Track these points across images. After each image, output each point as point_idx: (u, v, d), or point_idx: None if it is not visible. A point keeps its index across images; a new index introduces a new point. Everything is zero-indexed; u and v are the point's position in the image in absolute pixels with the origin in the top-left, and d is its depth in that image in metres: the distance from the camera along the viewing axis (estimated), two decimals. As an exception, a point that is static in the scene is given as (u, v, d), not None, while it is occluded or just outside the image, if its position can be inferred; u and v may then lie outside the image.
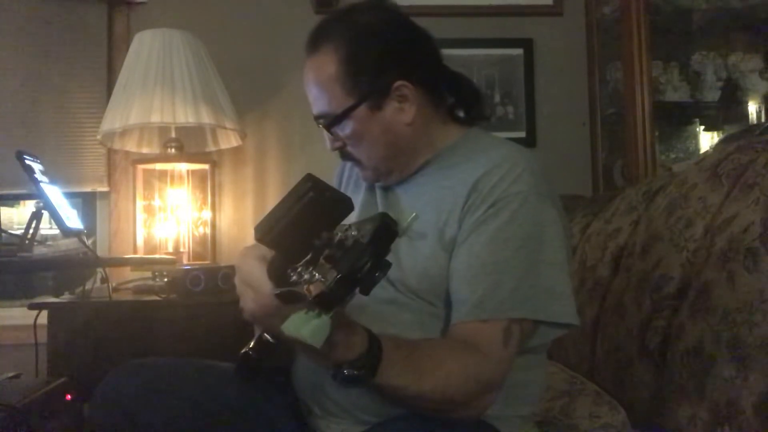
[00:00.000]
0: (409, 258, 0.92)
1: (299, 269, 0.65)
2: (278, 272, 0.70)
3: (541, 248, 0.88)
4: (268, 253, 0.75)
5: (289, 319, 0.64)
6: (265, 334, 0.84)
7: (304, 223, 0.66)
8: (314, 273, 0.63)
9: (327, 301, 0.62)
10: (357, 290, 0.63)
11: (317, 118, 0.99)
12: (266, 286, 0.71)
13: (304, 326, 0.63)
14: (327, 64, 0.94)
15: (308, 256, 0.66)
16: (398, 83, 0.94)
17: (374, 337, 0.76)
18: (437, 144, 1.00)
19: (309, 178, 0.69)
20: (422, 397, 0.80)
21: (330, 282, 0.61)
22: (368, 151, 0.99)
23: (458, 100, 1.05)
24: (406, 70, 0.95)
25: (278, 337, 0.80)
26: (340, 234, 0.65)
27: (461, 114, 1.05)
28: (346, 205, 0.71)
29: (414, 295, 0.91)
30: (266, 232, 0.70)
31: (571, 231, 1.66)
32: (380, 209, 1.03)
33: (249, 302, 0.76)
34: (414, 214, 0.70)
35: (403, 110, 0.96)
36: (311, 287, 0.63)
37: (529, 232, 0.88)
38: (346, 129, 0.96)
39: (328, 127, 0.98)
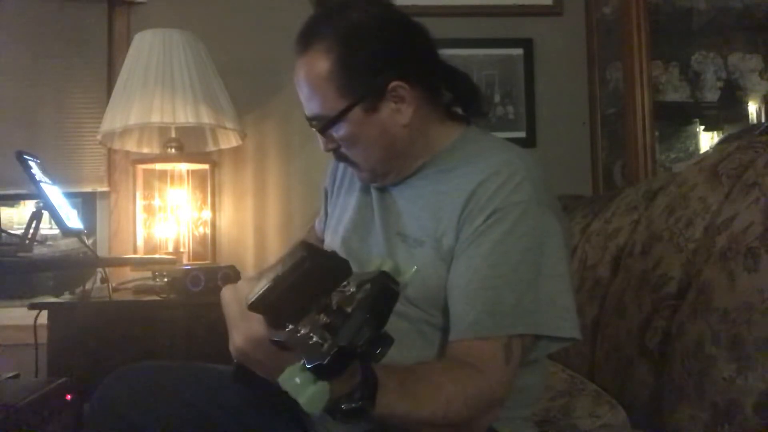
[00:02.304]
0: (406, 266, 0.90)
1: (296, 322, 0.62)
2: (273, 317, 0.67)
3: (541, 260, 0.85)
4: None
5: (286, 372, 0.61)
6: None
7: (300, 292, 0.63)
8: (311, 335, 0.60)
9: (325, 373, 0.59)
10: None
11: (310, 119, 0.95)
12: (259, 325, 0.68)
13: (302, 392, 0.59)
14: (319, 64, 0.90)
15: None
16: (394, 84, 0.90)
17: (366, 366, 0.73)
18: (435, 145, 0.97)
19: (304, 246, 0.64)
20: (422, 422, 0.77)
21: (328, 352, 0.58)
22: (364, 154, 0.95)
23: (456, 97, 1.01)
24: (402, 70, 0.91)
25: (261, 374, 0.76)
26: (337, 292, 0.62)
27: (459, 111, 1.02)
28: (344, 271, 0.66)
29: (411, 304, 0.89)
30: (259, 300, 0.66)
31: (572, 231, 1.66)
32: (376, 212, 1.00)
33: (238, 335, 0.71)
34: (415, 267, 0.67)
35: (399, 111, 0.92)
36: (307, 347, 0.60)
37: (529, 244, 0.85)
38: (340, 131, 0.93)
39: (322, 130, 0.94)
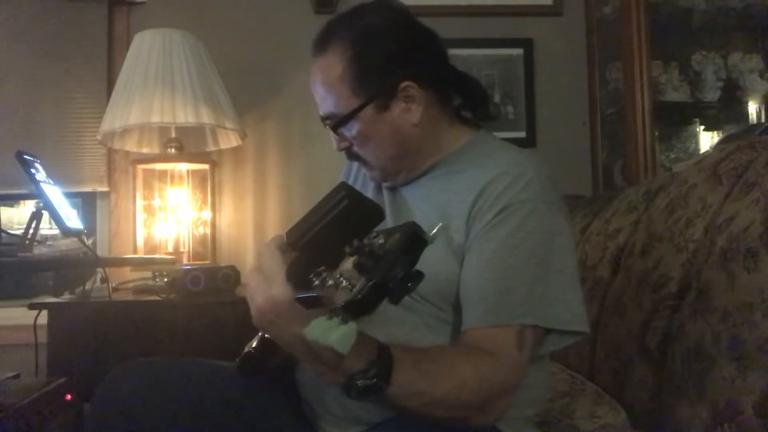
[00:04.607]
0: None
1: (324, 275, 0.64)
2: (299, 276, 0.69)
3: (550, 256, 0.88)
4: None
5: (313, 324, 0.63)
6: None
7: (337, 231, 0.66)
8: (341, 279, 0.62)
9: (357, 309, 0.61)
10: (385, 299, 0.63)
11: (324, 118, 0.99)
12: (282, 282, 0.71)
13: (332, 333, 0.61)
14: (334, 65, 0.94)
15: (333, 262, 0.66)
16: (405, 84, 0.94)
17: (383, 344, 0.75)
18: (445, 146, 1.00)
19: (343, 186, 0.69)
20: (437, 403, 0.79)
21: (362, 289, 0.60)
22: (375, 152, 0.99)
23: (465, 101, 1.04)
24: (413, 71, 0.95)
25: (277, 341, 0.79)
26: (368, 241, 0.64)
27: (468, 115, 1.05)
28: (379, 214, 0.71)
29: (421, 298, 0.90)
30: (298, 237, 0.71)
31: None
32: (387, 210, 1.03)
33: (258, 295, 0.74)
34: (440, 223, 0.69)
35: (410, 111, 0.95)
36: (337, 293, 0.63)
37: (538, 240, 0.87)
38: (352, 129, 0.96)
39: (335, 127, 0.97)
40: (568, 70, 2.45)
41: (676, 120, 2.35)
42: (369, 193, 1.08)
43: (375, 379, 0.72)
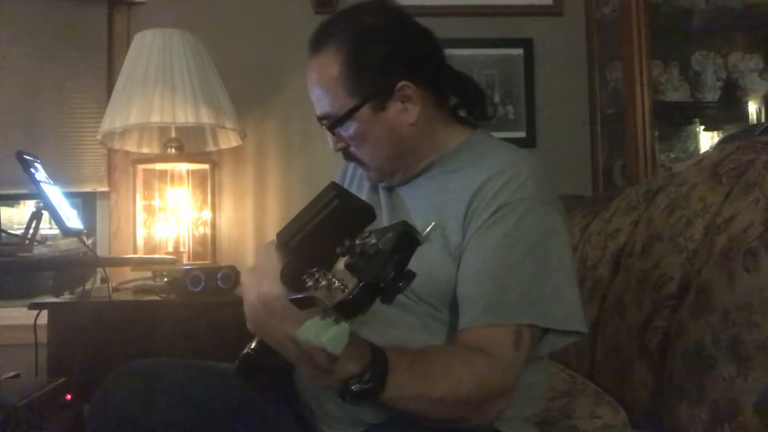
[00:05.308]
0: (413, 261, 0.91)
1: (316, 275, 0.64)
2: (292, 276, 0.69)
3: (547, 255, 0.87)
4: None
5: (306, 324, 0.63)
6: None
7: (327, 231, 0.66)
8: (334, 280, 0.62)
9: (349, 309, 0.61)
10: (377, 299, 0.63)
11: (320, 119, 0.99)
12: (276, 281, 0.71)
13: (324, 333, 0.61)
14: (330, 65, 0.94)
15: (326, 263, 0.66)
16: (401, 83, 0.94)
17: (377, 348, 0.75)
18: (441, 145, 1.00)
19: (334, 186, 0.69)
20: (435, 404, 0.78)
21: (354, 289, 0.60)
22: (372, 152, 0.98)
23: (462, 101, 1.04)
24: (409, 71, 0.94)
25: (270, 341, 0.78)
26: (359, 241, 0.64)
27: (464, 114, 1.05)
28: (369, 214, 0.71)
29: (417, 298, 0.90)
30: (289, 238, 0.71)
31: (571, 231, 1.66)
32: (384, 210, 1.03)
33: (250, 293, 0.74)
34: (432, 223, 0.69)
35: (406, 110, 0.95)
36: (330, 293, 0.63)
37: (535, 239, 0.87)
38: (349, 130, 0.96)
39: (331, 128, 0.97)
40: (568, 70, 2.45)
41: (676, 120, 2.35)
42: (364, 192, 1.08)
43: (370, 384, 0.72)
